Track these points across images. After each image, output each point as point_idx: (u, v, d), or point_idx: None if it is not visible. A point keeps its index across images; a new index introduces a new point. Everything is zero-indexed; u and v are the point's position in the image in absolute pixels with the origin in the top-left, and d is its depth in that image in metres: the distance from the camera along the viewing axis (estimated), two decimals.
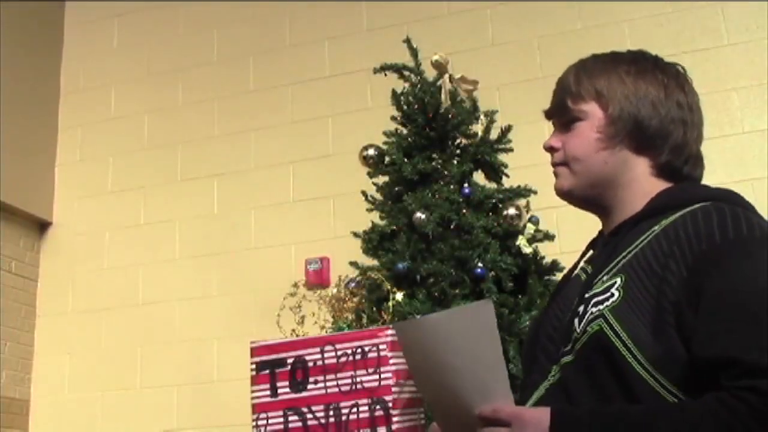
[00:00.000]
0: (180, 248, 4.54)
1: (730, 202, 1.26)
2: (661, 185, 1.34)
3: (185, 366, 4.31)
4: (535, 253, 2.88)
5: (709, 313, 1.12)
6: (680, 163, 1.36)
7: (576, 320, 1.26)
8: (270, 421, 1.78)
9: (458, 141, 3.06)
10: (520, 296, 2.74)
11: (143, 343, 4.43)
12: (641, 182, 1.34)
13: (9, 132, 4.69)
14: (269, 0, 4.82)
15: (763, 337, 1.07)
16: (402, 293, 2.72)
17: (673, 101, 1.36)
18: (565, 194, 1.40)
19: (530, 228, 2.87)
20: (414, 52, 3.10)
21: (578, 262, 1.45)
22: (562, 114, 1.40)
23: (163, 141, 4.71)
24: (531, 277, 2.79)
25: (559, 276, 2.74)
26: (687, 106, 1.37)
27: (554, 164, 1.41)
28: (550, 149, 1.41)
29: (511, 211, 2.85)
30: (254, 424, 1.81)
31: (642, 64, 1.39)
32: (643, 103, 1.34)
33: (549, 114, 1.45)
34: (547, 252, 2.94)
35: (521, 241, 2.82)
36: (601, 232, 1.44)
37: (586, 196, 1.38)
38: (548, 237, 2.91)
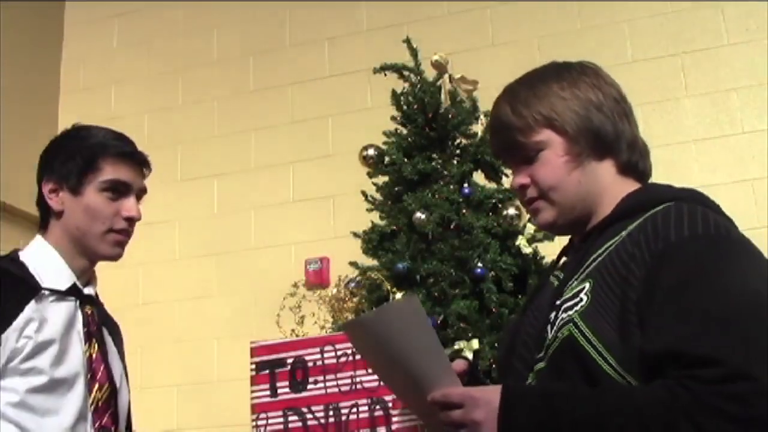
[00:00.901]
0: (180, 248, 4.53)
1: (692, 201, 1.27)
2: (628, 184, 1.36)
3: (185, 366, 4.30)
4: (535, 253, 2.88)
5: (658, 309, 1.14)
6: (636, 158, 1.37)
7: (548, 327, 1.28)
8: (270, 421, 1.79)
9: (458, 141, 3.06)
10: (520, 296, 2.74)
11: (143, 343, 4.43)
12: (611, 186, 1.36)
13: (9, 132, 4.69)
14: (269, 0, 4.82)
15: (706, 329, 1.09)
16: (402, 293, 2.72)
17: (610, 98, 1.37)
18: (550, 226, 1.40)
19: (530, 228, 2.87)
20: (414, 52, 3.09)
21: (552, 269, 1.46)
22: (516, 152, 1.39)
23: (163, 141, 4.70)
24: (531, 277, 2.79)
25: None
26: (620, 98, 1.39)
27: (529, 201, 1.40)
28: (520, 188, 1.40)
29: (511, 211, 2.85)
30: (254, 424, 1.81)
31: (567, 75, 1.38)
32: (590, 111, 1.35)
33: (498, 154, 1.46)
34: (547, 252, 2.94)
35: (521, 241, 2.82)
36: (571, 239, 1.45)
37: (569, 221, 1.38)
38: (548, 237, 2.91)
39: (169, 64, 4.92)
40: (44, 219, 1.82)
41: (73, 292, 1.76)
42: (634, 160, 1.37)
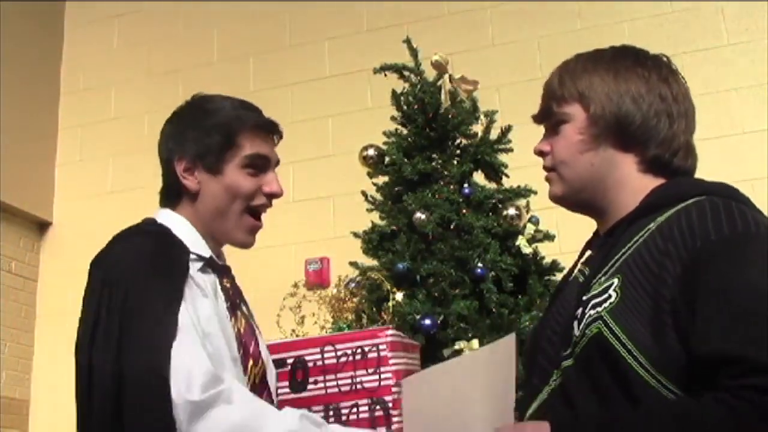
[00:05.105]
0: None
1: (724, 196, 1.24)
2: (652, 181, 1.32)
3: None
4: (535, 253, 2.87)
5: (706, 311, 1.10)
6: (669, 156, 1.33)
7: (575, 323, 1.25)
8: None
9: (458, 141, 3.06)
10: (520, 296, 2.74)
11: None
12: (631, 180, 1.33)
13: (9, 132, 4.69)
14: (269, 0, 4.81)
15: (760, 334, 1.06)
16: (402, 293, 2.71)
17: (656, 94, 1.34)
18: (558, 200, 1.40)
19: (530, 228, 2.86)
20: (414, 52, 3.09)
21: (576, 264, 1.44)
22: (548, 117, 1.40)
23: None
24: (531, 278, 2.79)
25: (559, 276, 2.73)
26: (672, 98, 1.35)
27: (545, 169, 1.41)
28: (539, 153, 1.41)
29: (511, 211, 2.85)
30: None
31: (622, 61, 1.37)
32: (624, 99, 1.32)
33: (537, 118, 1.44)
34: (547, 252, 2.94)
35: (521, 241, 2.81)
36: (596, 232, 1.42)
37: (577, 200, 1.38)
38: (548, 237, 2.91)
39: (169, 64, 4.92)
40: (173, 195, 1.68)
41: (211, 264, 1.64)
42: (666, 159, 1.33)
